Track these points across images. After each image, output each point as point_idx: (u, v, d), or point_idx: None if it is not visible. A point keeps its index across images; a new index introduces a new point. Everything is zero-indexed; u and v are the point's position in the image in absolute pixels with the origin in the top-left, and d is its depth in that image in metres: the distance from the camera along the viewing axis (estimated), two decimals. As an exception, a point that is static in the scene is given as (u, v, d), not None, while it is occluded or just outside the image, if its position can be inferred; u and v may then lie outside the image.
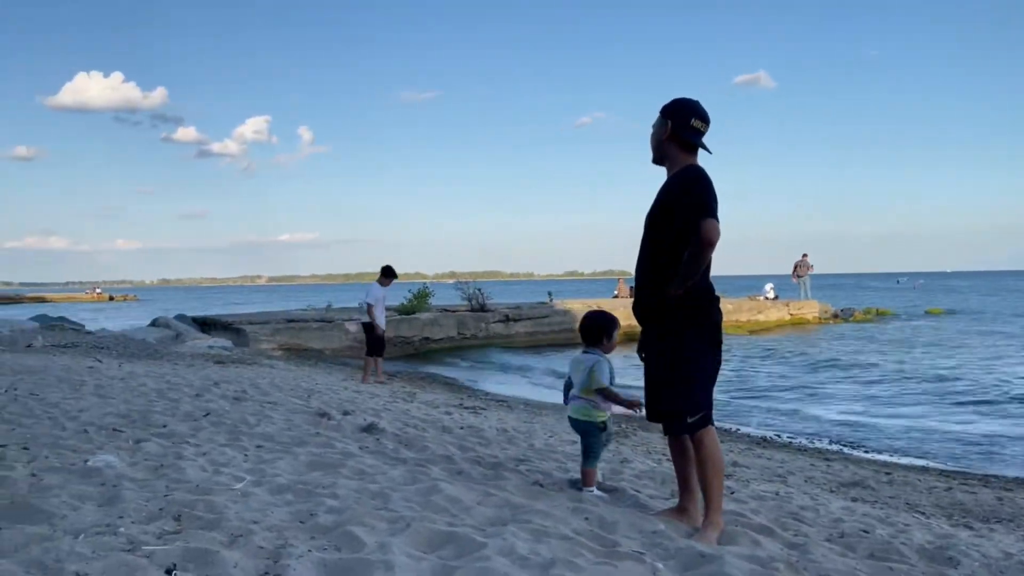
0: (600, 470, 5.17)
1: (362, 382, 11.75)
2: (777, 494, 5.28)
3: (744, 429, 10.36)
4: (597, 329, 4.18)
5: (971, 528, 4.90)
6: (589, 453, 4.18)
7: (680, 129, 3.57)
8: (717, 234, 3.35)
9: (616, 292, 31.46)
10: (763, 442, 9.27)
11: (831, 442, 9.61)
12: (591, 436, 4.16)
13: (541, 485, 4.30)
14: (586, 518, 3.47)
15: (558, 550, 2.89)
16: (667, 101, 3.66)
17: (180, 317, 20.46)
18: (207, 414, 5.89)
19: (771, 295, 30.49)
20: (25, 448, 4.14)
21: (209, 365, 11.48)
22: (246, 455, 4.43)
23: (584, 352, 4.21)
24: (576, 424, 4.21)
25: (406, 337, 20.26)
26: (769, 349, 21.25)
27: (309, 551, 2.66)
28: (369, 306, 11.97)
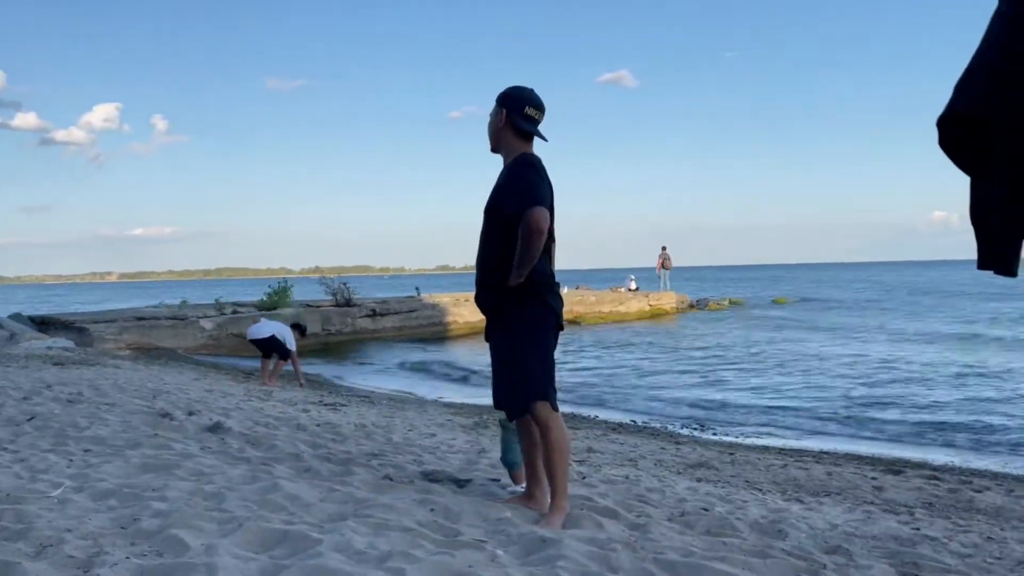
0: (456, 462, 5.17)
1: (266, 384, 11.36)
2: (627, 477, 5.42)
3: (601, 416, 10.63)
4: None
5: (802, 502, 5.19)
6: None
7: (515, 117, 3.58)
8: (545, 221, 3.38)
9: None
10: (618, 427, 9.54)
11: (682, 425, 10.01)
12: None
13: (391, 479, 4.23)
14: (431, 509, 3.44)
15: (397, 542, 2.83)
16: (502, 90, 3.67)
17: (15, 316, 18.95)
18: (31, 418, 5.45)
19: (633, 287, 31.52)
20: None
21: (46, 367, 10.67)
22: (71, 460, 4.13)
23: None
24: None
25: (267, 334, 19.56)
26: (627, 338, 21.99)
27: (127, 557, 2.49)
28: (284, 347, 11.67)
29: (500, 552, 2.85)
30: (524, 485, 4.06)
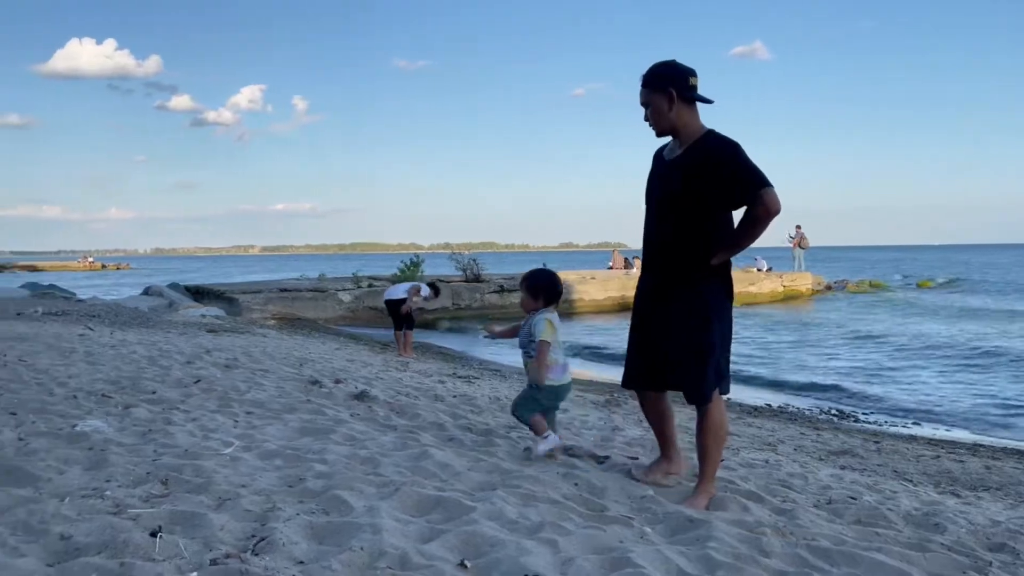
0: (592, 438, 5.20)
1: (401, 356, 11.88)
2: (767, 462, 5.29)
3: (737, 398, 10.41)
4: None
5: (958, 496, 4.92)
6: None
7: (685, 92, 3.44)
8: (779, 203, 3.32)
9: (611, 264, 31.42)
10: (754, 411, 9.32)
11: (821, 412, 9.66)
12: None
13: (531, 451, 4.31)
14: (575, 484, 3.48)
15: (546, 514, 2.89)
16: (648, 71, 3.51)
17: (173, 286, 20.39)
18: (197, 381, 5.87)
19: (764, 267, 30.52)
20: (12, 413, 4.12)
21: (201, 333, 11.45)
22: (236, 421, 4.42)
23: (553, 313, 4.24)
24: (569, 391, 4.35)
25: (400, 307, 20.22)
26: (764, 320, 21.33)
27: (297, 514, 2.66)
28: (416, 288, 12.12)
29: (648, 529, 2.86)
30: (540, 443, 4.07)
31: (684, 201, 3.44)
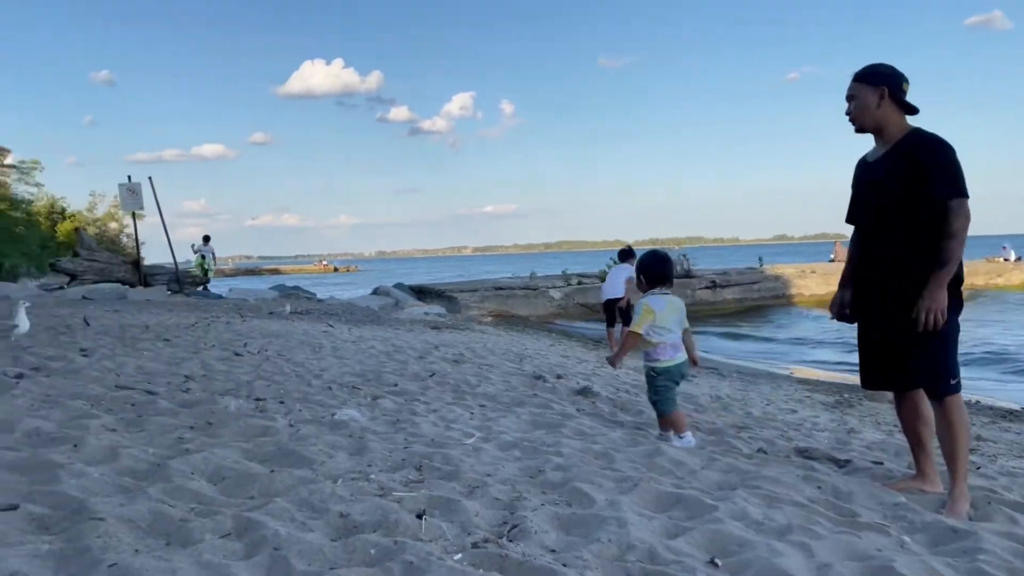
0: (826, 440, 4.96)
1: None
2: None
3: (986, 400, 9.46)
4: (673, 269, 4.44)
5: None
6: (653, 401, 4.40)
7: (897, 93, 3.41)
8: (969, 215, 3.23)
9: (832, 256, 29.69)
10: (1008, 415, 8.42)
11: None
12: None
13: (766, 452, 4.19)
14: (819, 487, 3.34)
15: (793, 516, 2.80)
16: (861, 68, 3.50)
17: (398, 286, 21.77)
18: (432, 374, 6.25)
19: (1011, 256, 27.47)
20: (281, 402, 4.60)
21: (427, 330, 12.15)
22: (472, 413, 4.67)
23: (671, 294, 4.36)
24: (686, 369, 4.41)
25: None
26: (1012, 314, 19.21)
27: (542, 504, 2.76)
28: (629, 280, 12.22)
29: (907, 538, 2.69)
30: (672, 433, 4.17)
31: (902, 200, 3.36)
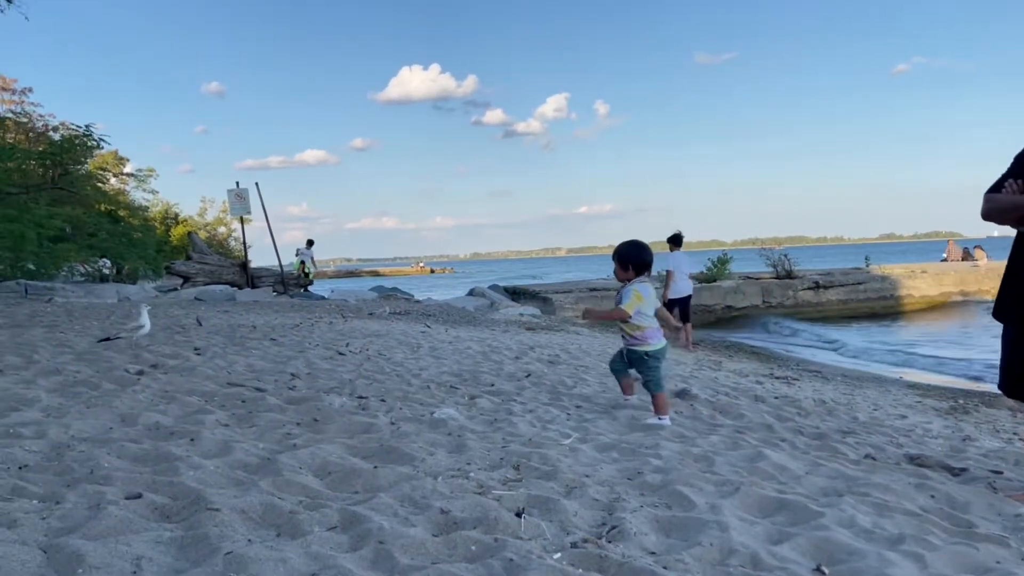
0: (939, 448, 4.75)
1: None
2: None
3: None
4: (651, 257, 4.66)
5: None
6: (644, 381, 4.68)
7: None
8: (983, 212, 3.25)
9: (945, 255, 28.26)
10: None
11: None
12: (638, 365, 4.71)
13: (874, 459, 4.03)
14: (932, 496, 3.19)
15: (904, 525, 2.69)
16: None
17: (493, 287, 21.96)
18: (528, 375, 6.29)
19: (981, 261, 25.51)
20: (382, 400, 4.72)
21: (521, 331, 12.21)
22: (568, 414, 4.67)
23: (645, 283, 4.59)
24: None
25: (707, 305, 19.93)
26: None
27: (641, 506, 2.74)
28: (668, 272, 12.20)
29: (1031, 553, 2.54)
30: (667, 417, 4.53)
31: None
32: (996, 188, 3.35)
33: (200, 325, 9.11)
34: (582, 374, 6.67)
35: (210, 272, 20.57)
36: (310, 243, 23.88)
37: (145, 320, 6.73)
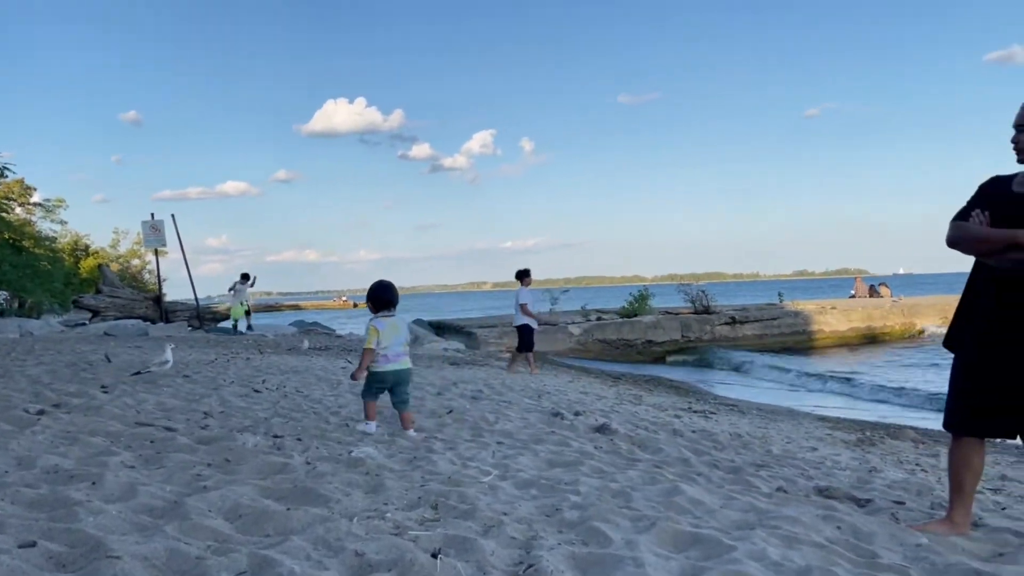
0: (846, 479, 4.91)
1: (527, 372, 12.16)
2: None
3: (1012, 440, 9.29)
4: (396, 295, 5.31)
5: None
6: (408, 397, 5.32)
7: None
8: (949, 239, 3.32)
9: (853, 291, 29.46)
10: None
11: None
12: (409, 384, 5.36)
13: (785, 491, 4.13)
14: (838, 527, 3.29)
15: (812, 557, 2.76)
16: None
17: (417, 322, 21.79)
18: (450, 411, 6.24)
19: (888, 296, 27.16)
20: (299, 439, 4.62)
21: (445, 366, 12.15)
22: (489, 451, 4.65)
23: (394, 316, 5.23)
24: (405, 375, 5.27)
25: (628, 340, 20.24)
26: None
27: (559, 544, 2.74)
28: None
29: (929, 581, 2.64)
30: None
31: None
32: (963, 216, 3.34)
33: (109, 361, 8.76)
34: (504, 410, 6.66)
35: (121, 306, 19.86)
36: (245, 277, 22.38)
37: (169, 356, 7.53)
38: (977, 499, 4.38)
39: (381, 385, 5.21)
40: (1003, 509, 4.44)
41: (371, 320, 5.14)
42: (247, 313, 21.07)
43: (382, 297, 5.18)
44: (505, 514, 3.09)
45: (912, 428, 9.18)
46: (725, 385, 15.20)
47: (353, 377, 5.20)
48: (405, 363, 5.23)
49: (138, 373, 7.32)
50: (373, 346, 5.07)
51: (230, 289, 21.66)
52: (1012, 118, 3.30)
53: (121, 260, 40.68)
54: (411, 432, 5.11)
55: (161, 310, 20.45)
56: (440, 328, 20.74)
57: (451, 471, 3.91)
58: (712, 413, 9.36)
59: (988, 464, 6.67)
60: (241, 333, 19.28)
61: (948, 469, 3.59)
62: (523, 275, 12.61)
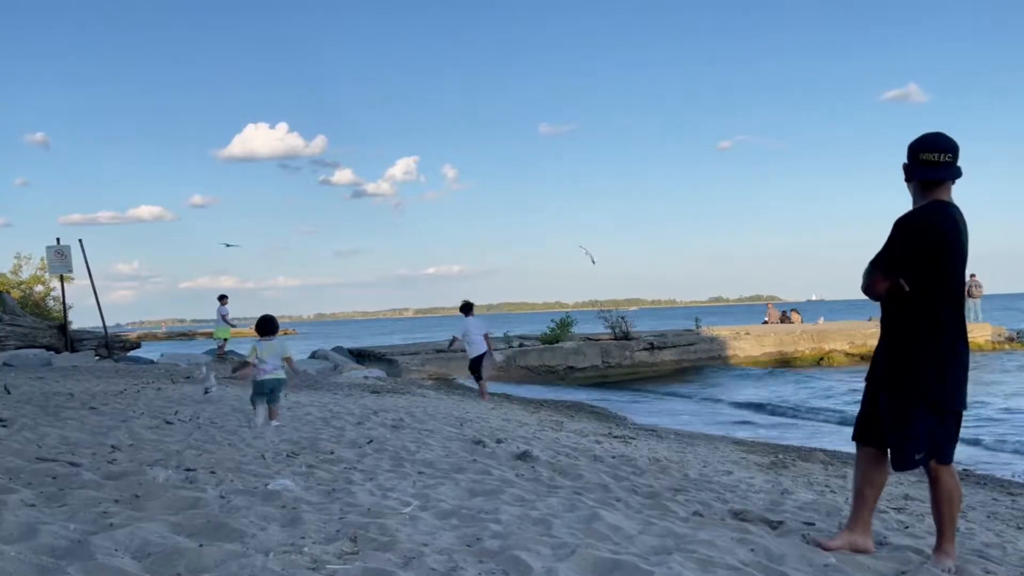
0: (760, 502, 5.05)
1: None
2: (958, 530, 4.92)
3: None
4: (275, 325, 7.43)
5: None
6: (279, 399, 7.32)
7: (912, 168, 3.43)
8: (864, 286, 3.51)
9: (766, 318, 30.40)
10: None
11: (1015, 475, 8.85)
12: (281, 390, 7.35)
13: (701, 515, 4.22)
14: (751, 549, 3.38)
15: (727, 581, 2.83)
16: None
17: (337, 349, 21.47)
18: (370, 441, 6.16)
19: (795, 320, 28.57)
20: (213, 472, 4.48)
21: (366, 395, 11.99)
22: (410, 481, 4.61)
23: (273, 340, 7.27)
24: (278, 384, 7.19)
25: (550, 366, 20.40)
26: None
27: (479, 574, 2.74)
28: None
29: (837, 600, 2.74)
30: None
31: None
32: (879, 262, 3.43)
33: (8, 393, 8.33)
34: (426, 439, 6.61)
35: (23, 335, 18.94)
36: (223, 298, 20.84)
37: (212, 379, 9.07)
38: (881, 518, 4.59)
39: (262, 390, 7.00)
40: (906, 528, 4.64)
41: (255, 342, 7.13)
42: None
43: (263, 326, 7.30)
44: (425, 545, 3.07)
45: (822, 450, 9.52)
46: (646, 411, 15.44)
47: (234, 372, 7.35)
48: (279, 374, 7.13)
49: (207, 391, 9.01)
50: (253, 360, 7.02)
51: (222, 316, 20.36)
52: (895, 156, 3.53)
53: (23, 287, 38.80)
54: (274, 422, 6.85)
55: (67, 339, 19.58)
56: (361, 355, 20.48)
57: (371, 502, 3.86)
58: (631, 438, 9.50)
59: (891, 484, 6.97)
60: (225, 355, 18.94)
61: (852, 481, 3.80)
62: (469, 308, 13.43)
